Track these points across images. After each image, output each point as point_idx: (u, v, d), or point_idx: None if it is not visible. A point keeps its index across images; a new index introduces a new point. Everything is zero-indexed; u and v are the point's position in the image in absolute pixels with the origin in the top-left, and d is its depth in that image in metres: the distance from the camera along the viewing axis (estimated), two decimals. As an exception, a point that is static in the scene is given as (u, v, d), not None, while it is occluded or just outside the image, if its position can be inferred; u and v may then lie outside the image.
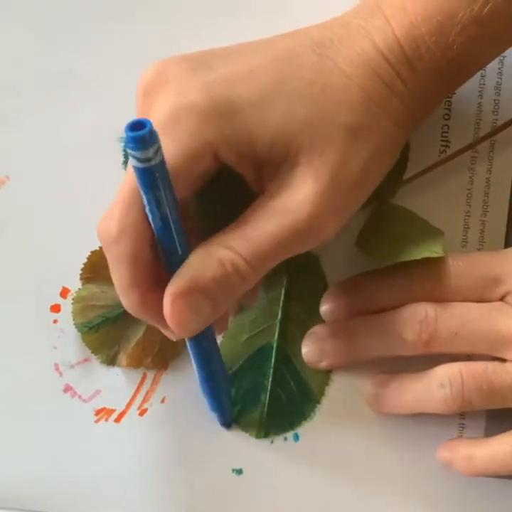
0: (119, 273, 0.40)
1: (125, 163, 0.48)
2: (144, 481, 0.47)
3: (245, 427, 0.47)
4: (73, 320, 0.47)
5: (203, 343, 0.42)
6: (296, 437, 0.47)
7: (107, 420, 0.47)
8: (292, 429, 0.47)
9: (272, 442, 0.47)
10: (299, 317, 0.47)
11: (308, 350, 0.46)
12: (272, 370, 0.47)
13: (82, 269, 0.47)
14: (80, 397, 0.47)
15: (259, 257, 0.39)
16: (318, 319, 0.46)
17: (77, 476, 0.47)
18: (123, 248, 0.39)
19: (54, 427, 0.47)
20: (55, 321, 0.48)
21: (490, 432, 0.46)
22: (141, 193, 0.37)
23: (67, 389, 0.47)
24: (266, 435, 0.47)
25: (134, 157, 0.35)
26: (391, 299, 0.45)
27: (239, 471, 0.47)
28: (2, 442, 0.47)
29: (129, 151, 0.35)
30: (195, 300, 0.39)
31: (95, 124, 0.48)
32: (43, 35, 0.48)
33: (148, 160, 0.35)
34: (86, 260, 0.47)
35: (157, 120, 0.39)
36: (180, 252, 0.39)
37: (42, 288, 0.48)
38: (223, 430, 0.47)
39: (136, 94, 0.41)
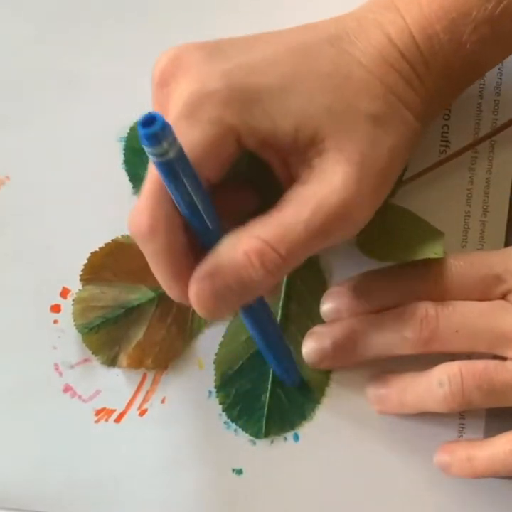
0: (158, 267, 0.40)
1: (125, 162, 0.48)
2: (144, 482, 0.47)
3: (245, 427, 0.47)
4: (74, 321, 0.47)
5: (255, 313, 0.43)
6: (296, 437, 0.47)
7: (107, 420, 0.47)
8: (292, 429, 0.47)
9: (271, 442, 0.47)
10: (299, 317, 0.47)
11: (308, 350, 0.46)
12: (272, 371, 0.47)
13: (82, 271, 0.47)
14: (79, 397, 0.47)
15: (291, 247, 0.39)
16: (318, 319, 0.46)
17: (77, 476, 0.47)
18: (158, 242, 0.39)
19: (54, 427, 0.47)
20: (55, 322, 0.48)
21: (489, 431, 0.46)
22: (165, 185, 0.37)
23: (67, 389, 0.47)
24: (266, 435, 0.47)
25: (150, 153, 0.35)
26: (391, 299, 0.45)
27: (239, 471, 0.47)
28: (2, 442, 0.47)
29: (144, 147, 0.35)
30: (218, 287, 0.39)
31: (95, 124, 0.48)
32: (43, 36, 0.48)
33: (164, 154, 0.35)
34: (86, 261, 0.47)
35: (177, 108, 0.39)
36: (214, 238, 0.39)
37: (42, 288, 0.48)
38: (223, 430, 0.47)
39: (152, 82, 0.41)
